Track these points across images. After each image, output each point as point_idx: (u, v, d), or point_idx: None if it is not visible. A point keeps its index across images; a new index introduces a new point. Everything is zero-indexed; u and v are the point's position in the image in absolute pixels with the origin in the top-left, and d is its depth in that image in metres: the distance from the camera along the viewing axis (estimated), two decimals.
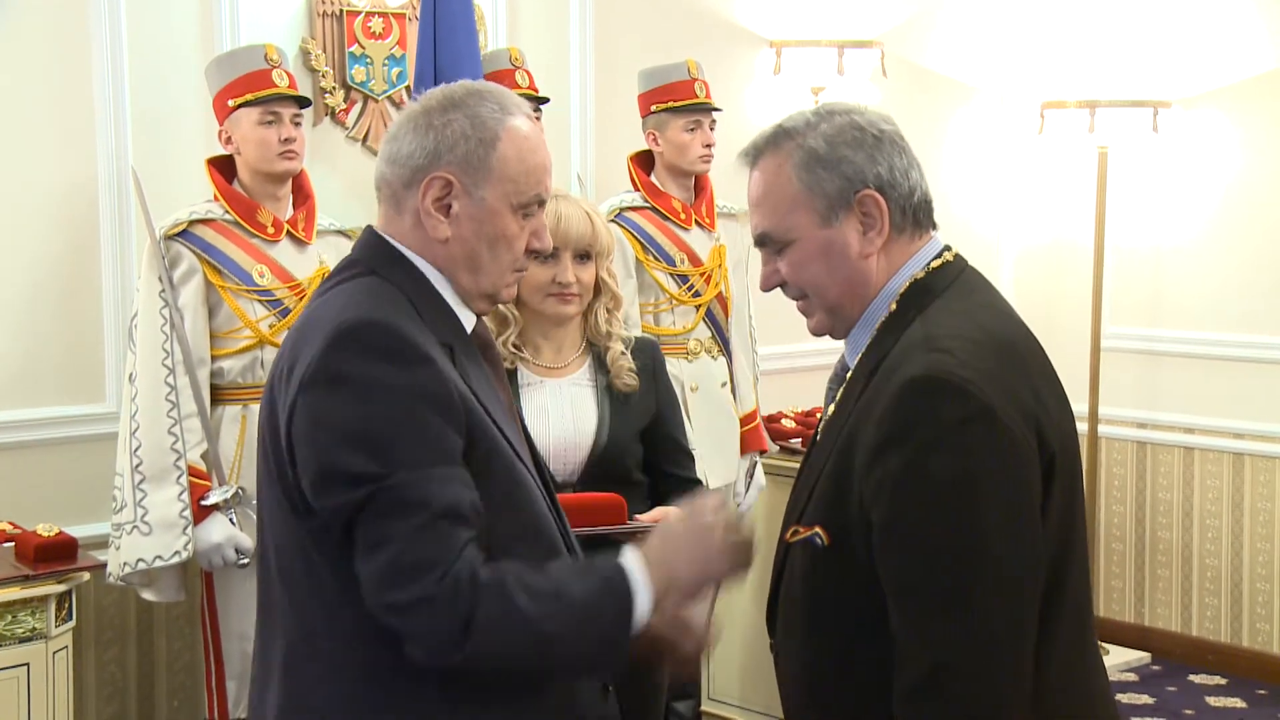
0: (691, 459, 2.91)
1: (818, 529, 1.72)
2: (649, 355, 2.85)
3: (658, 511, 2.71)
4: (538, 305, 2.74)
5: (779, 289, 1.86)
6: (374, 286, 1.81)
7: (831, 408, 1.84)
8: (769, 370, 4.67)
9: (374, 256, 1.86)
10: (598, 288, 2.79)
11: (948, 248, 1.82)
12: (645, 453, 2.82)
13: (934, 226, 1.83)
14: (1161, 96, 5.06)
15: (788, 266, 1.80)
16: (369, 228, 1.90)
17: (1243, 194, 5.13)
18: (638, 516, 2.68)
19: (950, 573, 1.62)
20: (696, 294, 4.11)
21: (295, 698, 1.79)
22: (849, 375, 1.81)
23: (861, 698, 1.72)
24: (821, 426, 1.86)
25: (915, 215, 1.79)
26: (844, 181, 1.75)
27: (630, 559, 1.74)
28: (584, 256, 2.74)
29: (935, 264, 1.79)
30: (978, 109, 5.50)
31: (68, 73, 3.64)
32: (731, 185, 4.34)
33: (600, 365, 2.80)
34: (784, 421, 4.66)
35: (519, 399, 2.71)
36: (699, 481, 2.92)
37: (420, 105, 1.86)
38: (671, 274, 4.07)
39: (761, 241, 1.83)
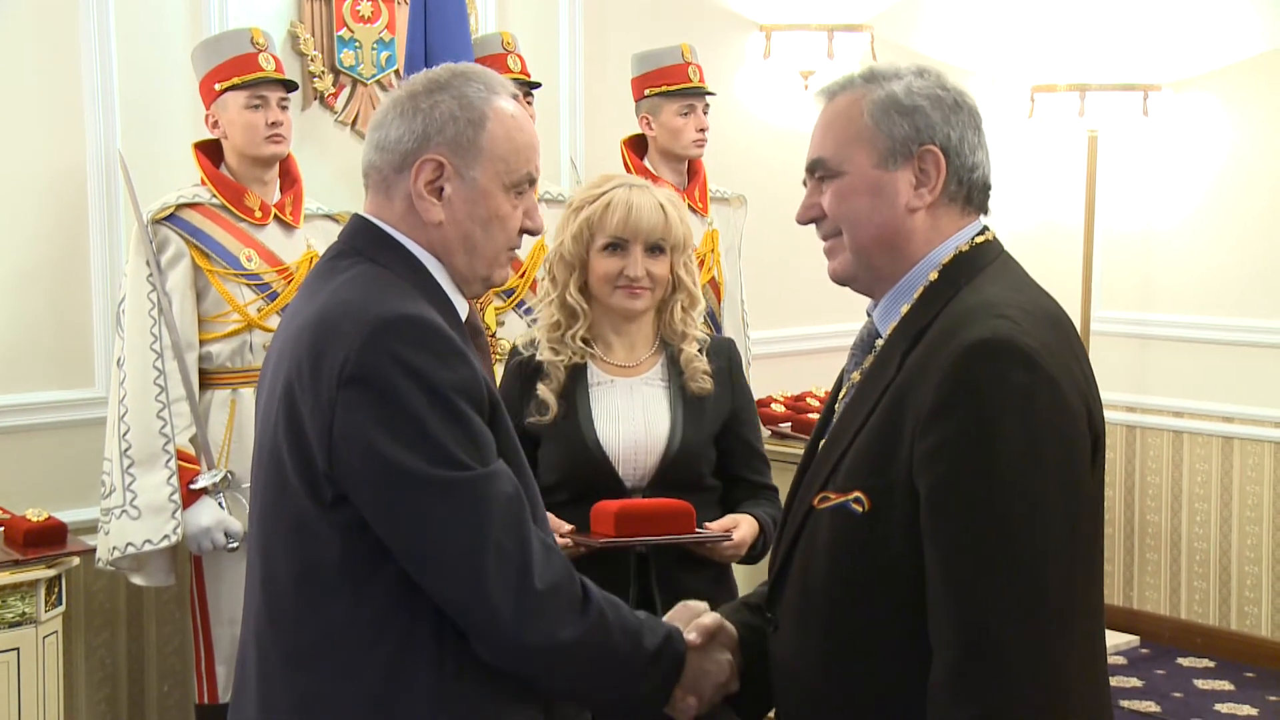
0: (766, 464, 2.79)
1: (858, 493, 1.69)
2: (725, 356, 2.73)
3: (728, 520, 2.63)
4: (606, 299, 2.63)
5: (812, 225, 1.83)
6: (381, 276, 1.80)
7: (857, 374, 1.81)
8: (760, 355, 4.68)
9: (368, 244, 1.84)
10: (674, 283, 2.67)
11: (987, 228, 1.82)
12: (718, 457, 2.70)
13: (985, 211, 1.82)
14: (1152, 80, 5.08)
15: (831, 198, 1.78)
16: (357, 215, 1.89)
17: (1233, 178, 5.14)
18: (707, 525, 2.59)
19: (1005, 539, 1.58)
20: None
21: (309, 697, 1.76)
22: (882, 341, 1.78)
23: (884, 674, 1.69)
24: (847, 392, 1.83)
25: (970, 191, 1.78)
26: (913, 131, 1.75)
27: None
28: (656, 249, 2.62)
29: (979, 239, 1.78)
30: (972, 92, 5.49)
31: (56, 57, 3.63)
32: (724, 170, 4.39)
33: (674, 365, 2.68)
34: (774, 406, 4.67)
35: (587, 397, 2.63)
36: (773, 488, 2.76)
37: (405, 90, 1.85)
38: None
39: (813, 168, 1.81)
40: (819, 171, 1.80)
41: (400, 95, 1.85)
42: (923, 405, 1.63)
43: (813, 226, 1.84)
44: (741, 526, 2.61)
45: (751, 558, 2.66)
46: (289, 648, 1.78)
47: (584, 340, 2.66)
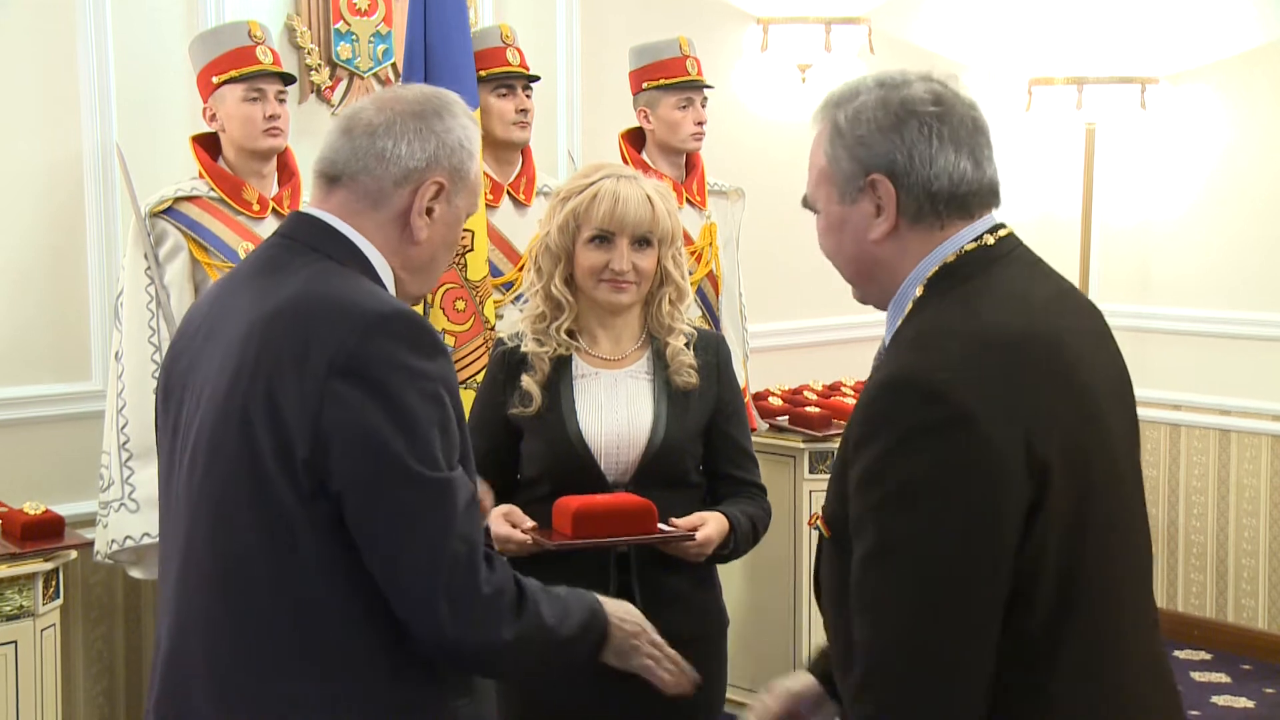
0: (752, 459, 2.75)
1: (818, 521, 1.75)
2: (713, 350, 2.69)
3: (695, 518, 2.56)
4: (590, 291, 2.59)
5: None
6: (348, 273, 1.84)
7: None
8: (758, 348, 4.71)
9: (321, 241, 1.86)
10: (661, 277, 2.63)
11: (994, 229, 1.75)
12: (704, 453, 2.67)
13: (974, 215, 1.74)
14: (1149, 73, 5.10)
15: (818, 234, 1.81)
16: (305, 213, 1.91)
17: (1230, 170, 5.17)
18: (674, 520, 2.53)
19: (886, 577, 1.61)
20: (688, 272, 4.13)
21: (264, 690, 1.78)
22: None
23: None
24: None
25: (936, 203, 1.71)
26: (855, 164, 1.72)
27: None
28: (643, 242, 2.57)
29: (969, 247, 1.73)
30: (966, 84, 5.50)
31: (52, 50, 3.65)
32: (722, 163, 4.41)
33: (659, 359, 2.64)
34: (771, 399, 4.70)
35: (571, 390, 2.61)
36: (759, 485, 2.74)
37: (410, 107, 1.89)
38: None
39: (804, 203, 1.83)
40: (809, 207, 1.82)
41: (404, 109, 1.89)
42: (849, 440, 1.67)
43: (808, 217, 1.85)
44: (708, 525, 2.54)
45: (722, 557, 2.61)
46: (252, 643, 1.78)
47: (568, 332, 2.63)
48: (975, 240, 1.73)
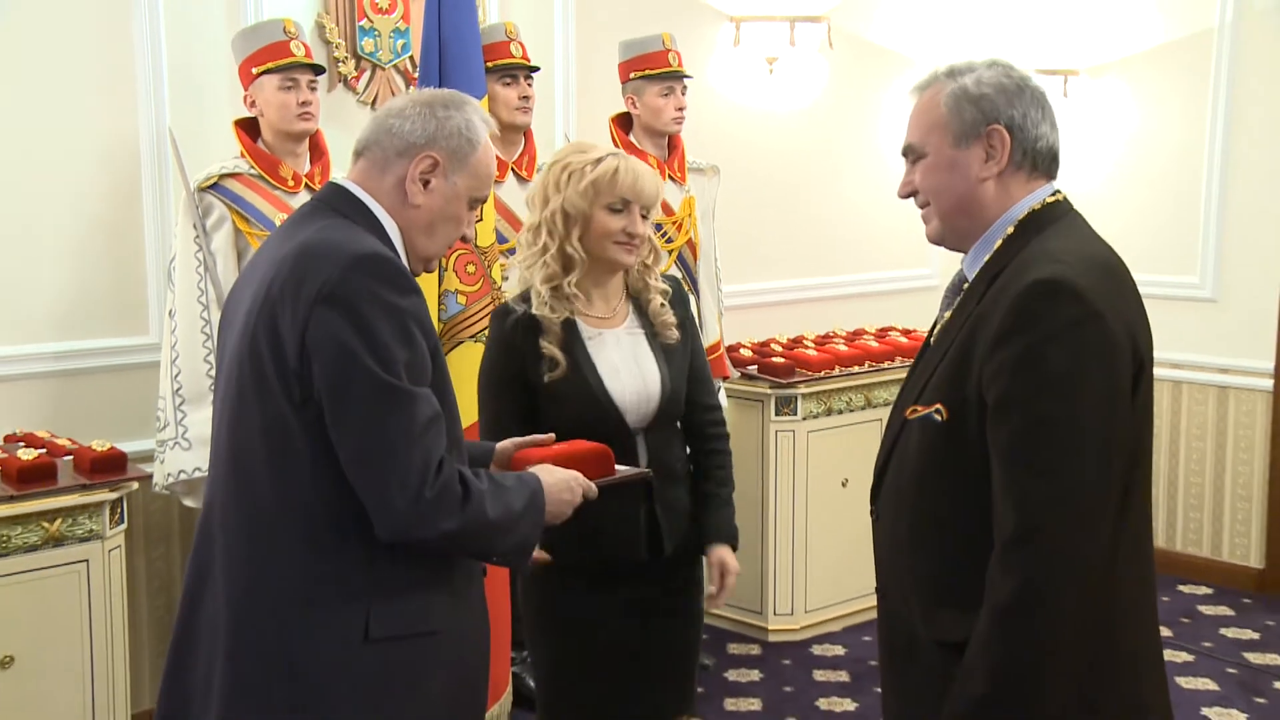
0: (709, 380, 2.90)
1: (938, 406, 1.92)
2: (683, 303, 2.87)
3: (716, 560, 2.76)
4: (603, 251, 2.72)
5: (911, 198, 2.07)
6: (353, 226, 2.08)
7: (948, 313, 2.03)
8: (731, 306, 4.92)
9: (341, 204, 2.12)
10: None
11: (1058, 190, 2.00)
12: None
13: (1052, 176, 1.99)
14: (1071, 66, 5.42)
15: (920, 175, 2.02)
16: (335, 183, 2.17)
17: (1138, 150, 5.53)
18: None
19: (1049, 444, 1.77)
20: (669, 240, 4.32)
21: (262, 562, 2.01)
22: (967, 286, 2.00)
23: (958, 552, 1.89)
24: (937, 327, 2.05)
25: (1034, 159, 1.97)
26: (980, 115, 1.95)
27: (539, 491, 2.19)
28: (646, 212, 2.74)
29: (1050, 200, 1.98)
30: (913, 78, 5.77)
31: (112, 43, 3.80)
32: (699, 144, 4.61)
33: (642, 315, 2.80)
34: (743, 351, 4.92)
35: (586, 352, 2.72)
36: (716, 407, 2.89)
37: (426, 98, 2.18)
38: None
39: (906, 152, 2.04)
40: (910, 154, 2.04)
41: (421, 100, 2.17)
42: (990, 333, 1.84)
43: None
44: (727, 559, 2.77)
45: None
46: (252, 519, 2.02)
47: (573, 293, 2.71)
48: (1052, 195, 2.00)
